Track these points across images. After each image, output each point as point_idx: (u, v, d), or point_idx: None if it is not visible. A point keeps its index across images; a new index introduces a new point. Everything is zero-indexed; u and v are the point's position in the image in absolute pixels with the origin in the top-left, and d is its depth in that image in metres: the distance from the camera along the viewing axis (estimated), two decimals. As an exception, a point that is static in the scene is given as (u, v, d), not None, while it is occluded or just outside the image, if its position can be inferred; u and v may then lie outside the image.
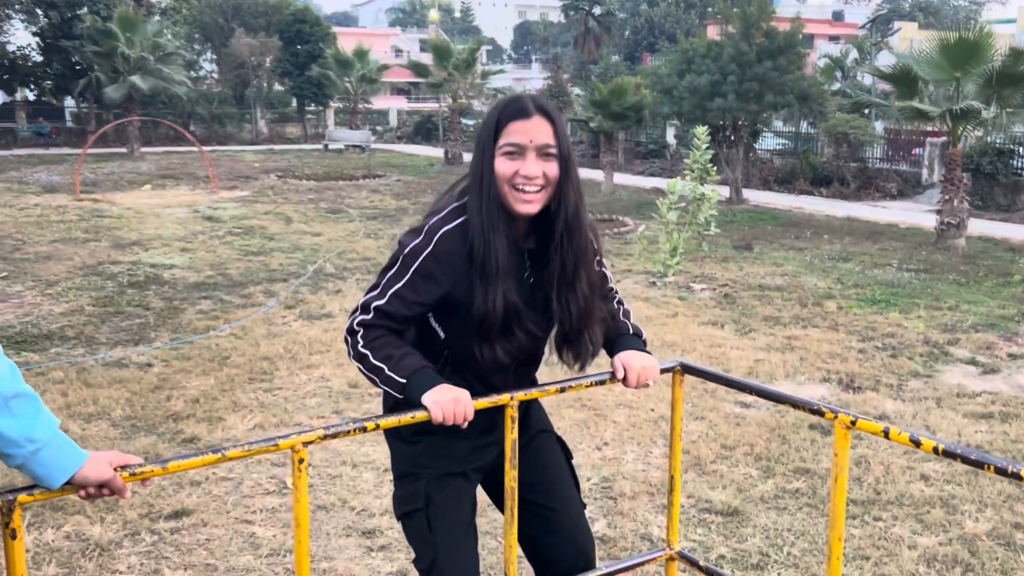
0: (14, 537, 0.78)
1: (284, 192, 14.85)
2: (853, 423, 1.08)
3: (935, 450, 0.99)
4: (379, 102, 27.91)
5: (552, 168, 1.14)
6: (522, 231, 1.22)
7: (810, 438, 3.89)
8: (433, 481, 1.29)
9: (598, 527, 2.86)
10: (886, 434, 1.04)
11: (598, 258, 1.32)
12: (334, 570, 2.58)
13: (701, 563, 1.65)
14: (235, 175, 17.22)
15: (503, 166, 1.12)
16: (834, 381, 4.95)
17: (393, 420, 1.15)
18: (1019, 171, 12.64)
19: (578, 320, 1.24)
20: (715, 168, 8.02)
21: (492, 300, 1.13)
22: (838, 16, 33.82)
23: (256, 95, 24.26)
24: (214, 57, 24.53)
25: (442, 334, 1.30)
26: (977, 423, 4.20)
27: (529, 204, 1.13)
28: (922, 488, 3.27)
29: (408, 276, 1.16)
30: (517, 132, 1.12)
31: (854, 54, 19.28)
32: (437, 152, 22.42)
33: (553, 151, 1.14)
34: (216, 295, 7.00)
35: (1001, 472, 0.88)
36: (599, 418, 4.19)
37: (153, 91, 19.70)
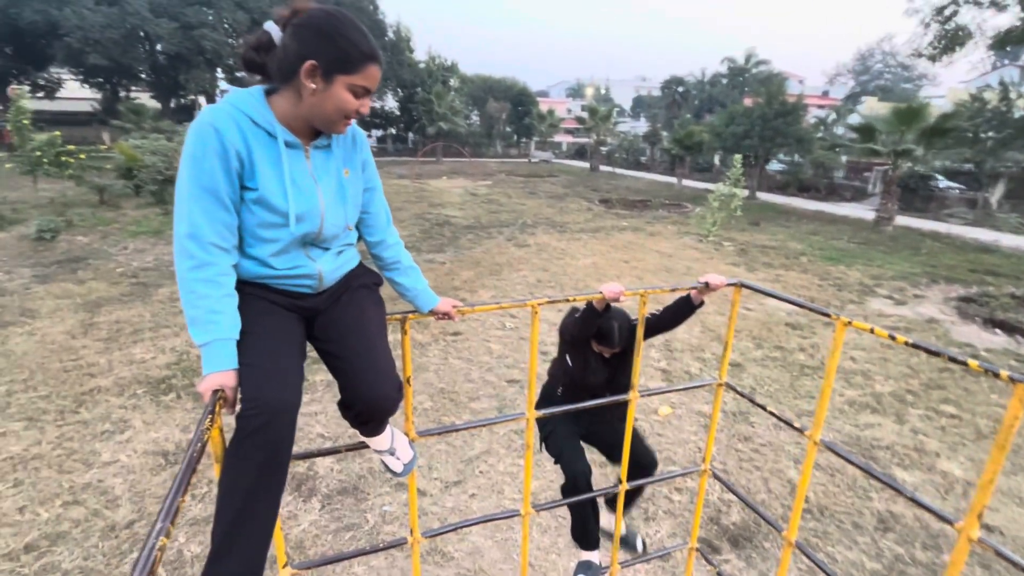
0: (405, 333, 1.36)
1: (508, 183, 24.79)
2: (849, 322, 1.32)
3: (905, 343, 1.21)
4: (558, 137, 51.72)
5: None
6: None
7: (785, 330, 6.40)
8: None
9: (664, 364, 5.44)
10: (872, 331, 1.28)
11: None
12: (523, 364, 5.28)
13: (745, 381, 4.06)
14: (484, 173, 29.25)
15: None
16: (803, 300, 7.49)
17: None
18: (932, 189, 20.25)
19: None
20: (744, 179, 13.20)
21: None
22: (826, 92, 56.07)
23: (496, 133, 47.20)
24: (478, 112, 47.38)
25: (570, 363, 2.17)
26: (891, 330, 6.66)
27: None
28: (851, 363, 5.71)
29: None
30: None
31: (833, 116, 30.71)
32: (586, 164, 38.05)
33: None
34: (475, 231, 12.45)
35: (943, 356, 1.17)
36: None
37: (449, 130, 37.70)
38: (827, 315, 1.40)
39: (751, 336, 6.26)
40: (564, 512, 3.27)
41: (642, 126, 53.90)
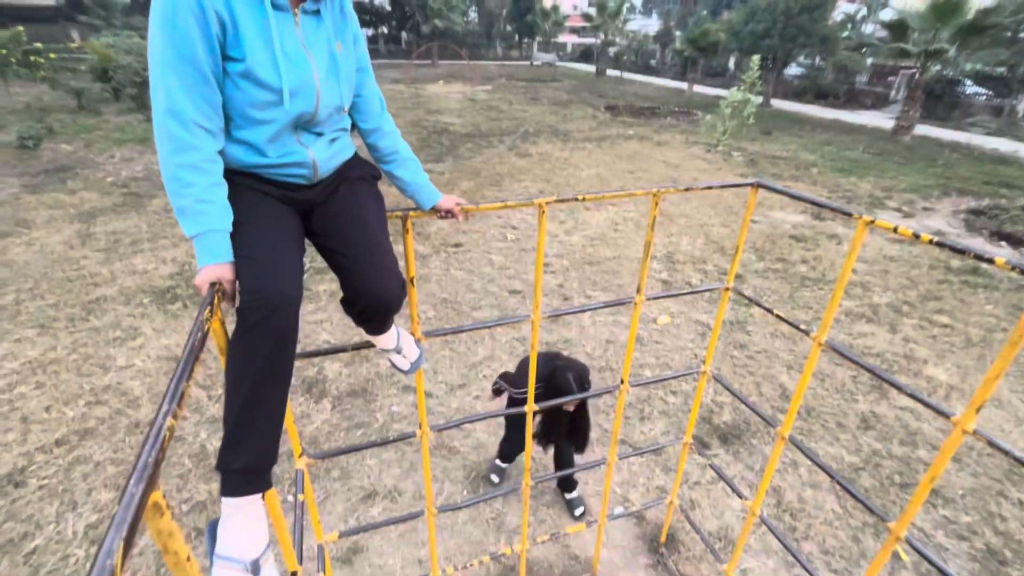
0: (407, 231, 1.30)
1: (509, 88, 23.17)
2: (872, 221, 1.28)
3: (930, 241, 1.17)
4: (562, 38, 48.22)
5: None
6: None
7: (788, 242, 6.35)
8: None
9: (664, 276, 5.45)
10: (895, 230, 1.23)
11: None
12: (526, 275, 5.28)
13: (745, 292, 4.04)
14: (484, 77, 27.72)
15: None
16: (810, 213, 7.51)
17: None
18: (958, 95, 18.82)
19: None
20: (759, 83, 12.00)
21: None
22: None
23: (496, 32, 43.76)
24: (476, 9, 43.26)
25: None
26: (896, 243, 6.59)
27: None
28: (852, 275, 5.73)
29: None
30: None
31: (864, 11, 27.10)
32: (592, 68, 37.48)
33: None
34: (475, 139, 11.87)
35: (968, 253, 1.04)
36: (668, 220, 6.66)
37: (445, 29, 35.06)
38: (848, 214, 1.34)
39: (754, 248, 6.21)
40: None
41: (654, 24, 50.01)
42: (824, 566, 2.51)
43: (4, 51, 11.50)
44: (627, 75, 33.16)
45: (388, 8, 38.55)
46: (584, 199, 1.39)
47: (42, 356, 3.78)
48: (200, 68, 0.91)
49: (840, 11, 27.12)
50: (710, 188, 1.60)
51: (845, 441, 3.31)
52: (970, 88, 19.24)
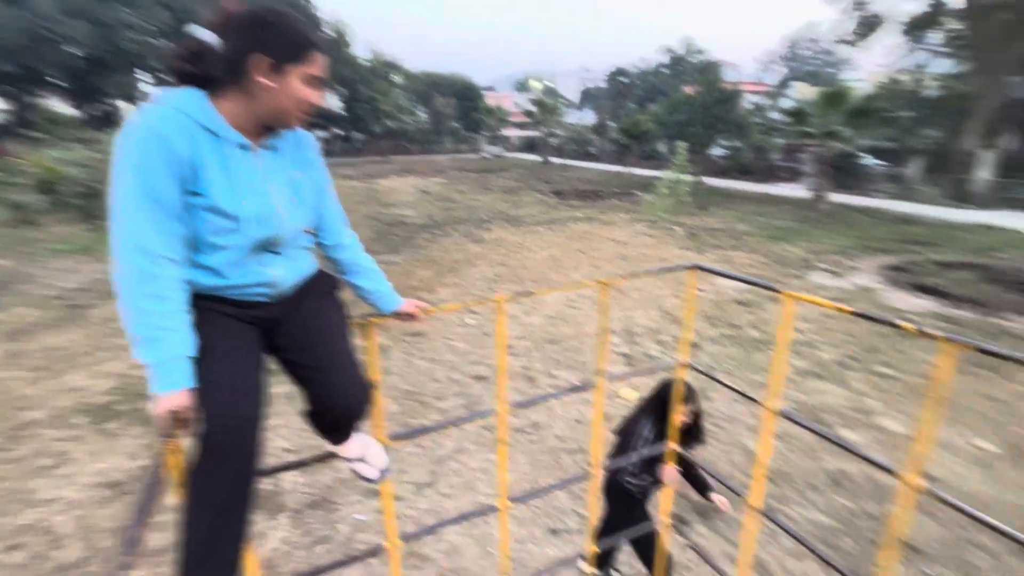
0: (369, 337, 1.33)
1: (460, 179, 24.70)
2: (799, 297, 1.38)
3: (852, 312, 1.26)
4: (507, 131, 50.80)
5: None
6: None
7: (736, 308, 6.71)
8: None
9: (625, 349, 5.57)
10: (819, 303, 1.33)
11: None
12: (489, 360, 5.27)
13: (701, 364, 4.17)
14: (435, 170, 29.12)
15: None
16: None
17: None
18: (860, 167, 21.73)
19: None
20: (689, 165, 14.36)
21: None
22: (759, 80, 57.82)
23: (445, 129, 46.49)
24: (425, 109, 45.99)
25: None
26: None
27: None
28: (798, 335, 6.05)
29: None
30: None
31: (769, 101, 31.77)
32: (536, 157, 39.39)
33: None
34: (430, 229, 12.39)
35: (883, 322, 1.27)
36: (622, 295, 6.93)
37: (396, 128, 37.62)
38: (776, 291, 1.46)
39: (705, 316, 6.51)
40: (539, 503, 3.32)
41: (589, 117, 55.42)
42: (820, 644, 2.41)
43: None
44: (570, 162, 35.72)
45: (341, 112, 40.98)
46: (537, 293, 1.47)
47: (-49, 497, 3.35)
48: (169, 208, 0.96)
49: (748, 101, 31.33)
50: (651, 274, 1.73)
51: (819, 503, 3.32)
52: (868, 160, 21.90)
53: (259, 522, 3.13)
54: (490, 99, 50.46)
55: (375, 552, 1.49)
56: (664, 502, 2.19)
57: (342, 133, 42.81)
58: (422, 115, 46.61)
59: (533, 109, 35.26)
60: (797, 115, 15.37)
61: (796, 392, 4.71)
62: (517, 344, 5.65)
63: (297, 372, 1.13)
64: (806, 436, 4.00)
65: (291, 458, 3.74)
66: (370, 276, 1.35)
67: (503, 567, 1.75)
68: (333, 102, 41.61)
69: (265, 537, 3.01)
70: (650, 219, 13.18)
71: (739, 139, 24.63)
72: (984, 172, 17.20)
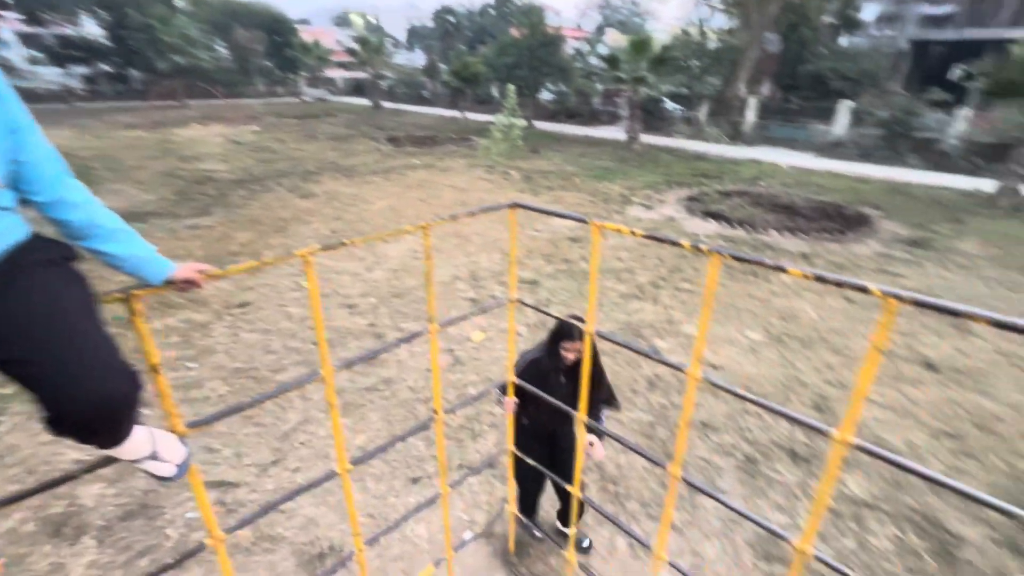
0: (133, 314, 1.07)
1: (279, 126, 21.71)
2: (601, 226, 1.46)
3: (642, 235, 1.40)
4: (331, 72, 45.66)
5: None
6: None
7: (568, 244, 7.28)
8: None
9: (471, 294, 5.69)
10: (633, 232, 1.42)
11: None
12: (332, 323, 4.98)
13: (532, 299, 4.38)
14: (248, 117, 25.16)
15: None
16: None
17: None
18: (663, 111, 23.79)
19: None
20: (519, 109, 14.77)
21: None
22: (579, 26, 59.37)
23: (254, 68, 40.06)
24: (225, 44, 38.13)
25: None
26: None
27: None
28: (619, 263, 6.80)
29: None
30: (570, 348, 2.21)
31: (587, 47, 32.21)
32: (366, 101, 36.09)
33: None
34: (247, 185, 10.85)
35: (665, 241, 1.45)
36: (464, 240, 6.96)
37: (189, 66, 30.59)
38: (584, 221, 1.55)
39: (542, 254, 6.93)
40: (396, 455, 3.31)
41: (419, 58, 52.77)
42: (647, 517, 2.89)
43: None
44: (403, 106, 33.99)
45: (106, 42, 32.50)
46: (348, 243, 1.35)
47: None
48: None
49: (571, 47, 32.76)
50: (472, 214, 1.72)
51: (639, 403, 3.88)
52: (669, 104, 24.87)
53: (53, 554, 2.58)
54: (306, 35, 43.81)
55: (194, 552, 1.32)
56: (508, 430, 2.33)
57: (110, 70, 34.19)
58: (222, 51, 38.69)
59: (356, 47, 32.03)
60: (611, 61, 16.58)
61: (619, 313, 5.35)
62: (362, 303, 5.38)
63: (16, 372, 0.87)
64: (627, 352, 4.60)
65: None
66: (118, 239, 1.06)
67: (354, 529, 1.70)
68: (90, 28, 32.81)
69: (64, 569, 2.51)
70: (487, 164, 13.34)
71: (564, 83, 25.70)
72: (751, 115, 20.80)
